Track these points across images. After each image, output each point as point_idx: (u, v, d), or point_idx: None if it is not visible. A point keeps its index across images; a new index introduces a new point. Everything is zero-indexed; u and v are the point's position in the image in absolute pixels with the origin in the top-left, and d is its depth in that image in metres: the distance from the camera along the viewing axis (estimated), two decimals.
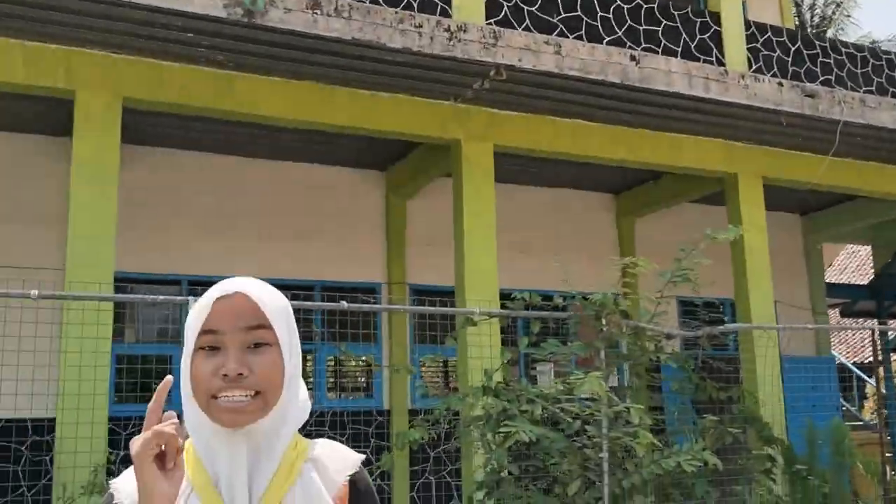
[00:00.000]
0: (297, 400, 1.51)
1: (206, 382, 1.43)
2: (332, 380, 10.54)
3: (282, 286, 6.83)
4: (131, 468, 1.48)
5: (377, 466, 5.36)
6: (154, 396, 1.39)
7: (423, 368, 10.97)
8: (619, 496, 5.06)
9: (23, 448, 8.35)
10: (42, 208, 8.81)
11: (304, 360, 10.43)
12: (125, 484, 1.49)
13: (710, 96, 8.59)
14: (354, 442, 9.66)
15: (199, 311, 1.48)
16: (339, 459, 1.55)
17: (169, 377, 1.41)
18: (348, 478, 1.53)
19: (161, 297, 5.60)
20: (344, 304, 4.97)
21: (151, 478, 1.36)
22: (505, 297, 8.45)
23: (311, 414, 9.52)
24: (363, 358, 6.77)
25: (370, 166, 10.50)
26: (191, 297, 5.70)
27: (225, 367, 1.42)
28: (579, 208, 11.64)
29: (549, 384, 6.24)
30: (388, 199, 10.55)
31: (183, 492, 1.42)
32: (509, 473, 5.11)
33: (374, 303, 9.94)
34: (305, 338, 9.91)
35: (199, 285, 9.18)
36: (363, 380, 10.59)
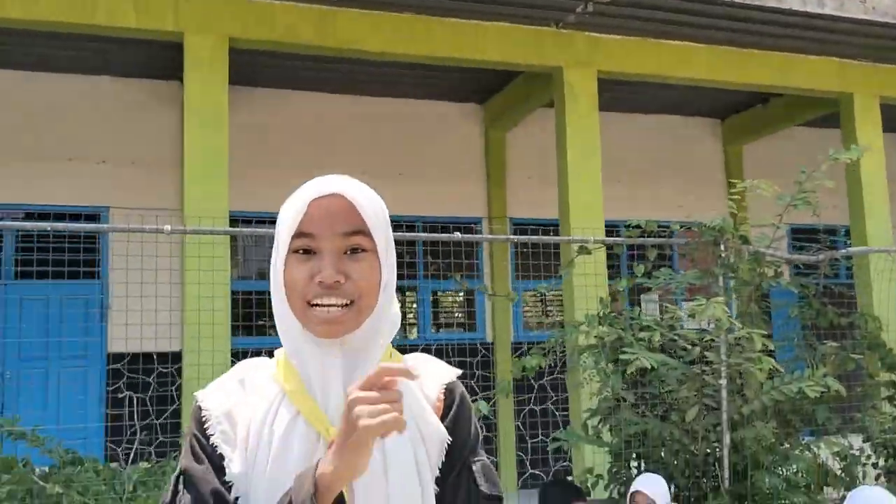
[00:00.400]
0: (391, 310, 1.46)
1: (301, 288, 1.37)
2: (436, 314, 10.71)
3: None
4: (221, 382, 1.45)
5: (493, 394, 5.43)
6: (396, 369, 1.24)
7: (525, 302, 11.00)
8: (737, 422, 5.00)
9: (150, 379, 8.81)
10: (156, 151, 9.11)
11: (407, 294, 10.61)
12: (213, 400, 1.43)
13: (825, 12, 8.17)
14: (462, 377, 9.82)
15: (294, 210, 1.39)
16: (434, 370, 1.50)
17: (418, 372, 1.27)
18: (444, 387, 1.48)
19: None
20: (457, 234, 5.00)
21: (366, 454, 1.23)
22: (608, 227, 8.38)
23: (416, 348, 9.73)
24: (477, 288, 6.81)
25: (469, 99, 10.43)
26: None
27: (321, 274, 1.36)
28: (684, 135, 11.33)
29: (655, 314, 6.18)
30: (488, 132, 10.49)
31: (275, 397, 1.40)
32: (624, 400, 5.11)
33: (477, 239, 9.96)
34: (410, 276, 10.05)
35: None
36: (460, 315, 10.70)
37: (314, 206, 1.38)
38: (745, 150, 11.52)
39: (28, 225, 4.60)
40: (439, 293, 10.81)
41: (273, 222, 6.63)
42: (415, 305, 10.55)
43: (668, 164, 11.01)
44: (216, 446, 1.38)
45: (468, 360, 9.99)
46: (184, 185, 7.18)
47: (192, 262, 6.65)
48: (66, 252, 7.77)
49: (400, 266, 6.97)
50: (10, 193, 8.62)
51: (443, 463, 1.42)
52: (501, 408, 9.87)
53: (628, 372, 4.64)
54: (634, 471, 5.15)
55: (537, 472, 9.91)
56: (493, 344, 10.19)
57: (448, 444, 1.42)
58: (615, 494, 5.32)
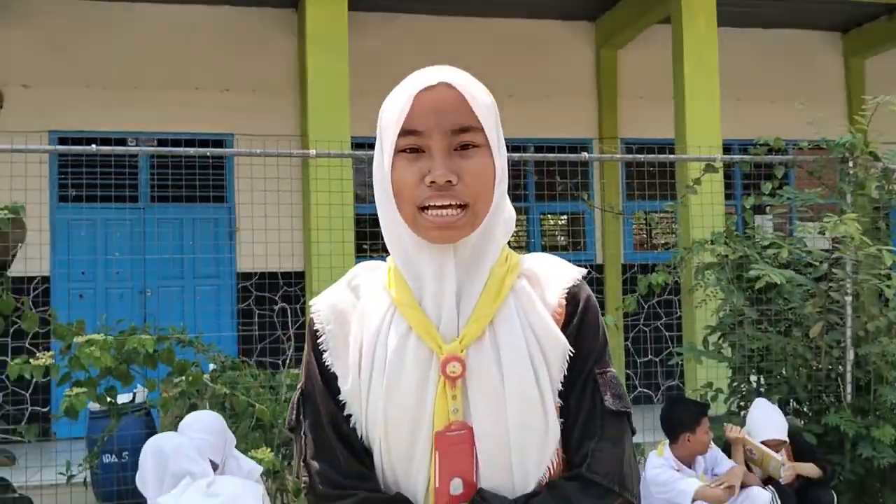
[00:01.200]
0: (505, 210, 1.36)
1: (410, 191, 1.28)
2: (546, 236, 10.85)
3: None
4: (334, 290, 1.42)
5: (618, 308, 5.58)
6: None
7: (636, 221, 10.99)
8: (861, 338, 5.03)
9: (276, 297, 9.31)
10: (275, 79, 9.42)
11: (520, 218, 10.76)
12: (325, 313, 1.39)
13: None
14: None
15: (398, 106, 1.30)
16: (556, 273, 1.39)
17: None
18: (566, 291, 1.36)
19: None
20: (585, 154, 5.10)
21: None
22: (724, 147, 8.26)
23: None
24: (587, 203, 6.90)
25: (580, 17, 10.32)
26: None
27: (432, 174, 1.26)
28: (804, 49, 10.93)
29: (772, 233, 6.15)
30: (599, 51, 10.38)
31: (386, 311, 1.34)
32: (746, 316, 5.19)
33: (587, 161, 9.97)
34: (520, 198, 10.18)
35: None
36: (562, 238, 10.79)
37: (419, 99, 1.29)
38: (867, 64, 11.05)
39: (178, 150, 4.91)
40: (548, 214, 10.93)
41: None
42: (525, 227, 10.71)
43: (790, 80, 10.67)
44: (329, 365, 1.35)
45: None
46: (307, 111, 7.46)
47: (318, 184, 6.93)
48: (198, 178, 8.23)
49: (513, 188, 7.09)
50: (143, 122, 9.10)
51: (566, 374, 1.33)
52: (610, 330, 10.00)
53: (755, 288, 4.70)
54: (755, 385, 5.25)
55: (646, 391, 10.07)
56: (602, 265, 10.29)
57: (571, 355, 1.33)
58: (734, 408, 5.45)
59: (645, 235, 11.13)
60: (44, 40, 9.00)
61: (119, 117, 9.01)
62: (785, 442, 4.79)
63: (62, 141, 8.89)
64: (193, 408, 4.19)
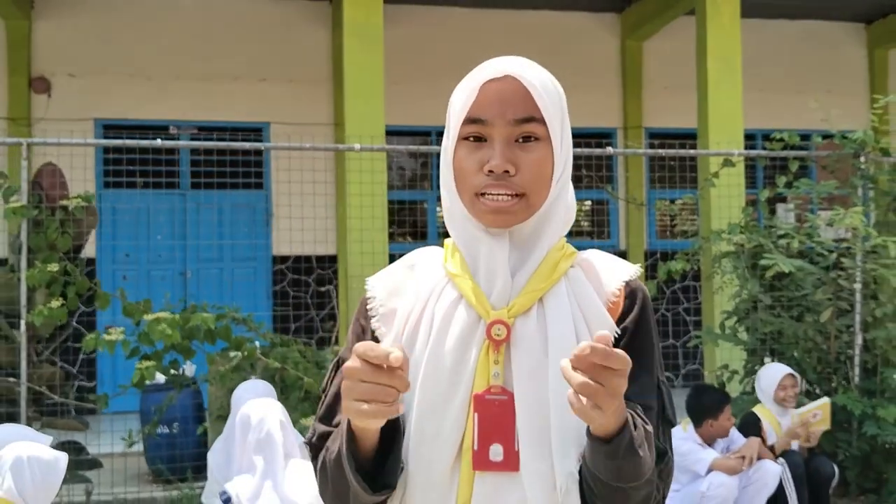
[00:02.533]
0: (564, 200, 1.39)
1: (470, 177, 1.32)
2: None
3: None
4: (391, 268, 1.45)
5: None
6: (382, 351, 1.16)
7: (659, 209, 11.23)
8: (870, 324, 5.29)
9: (310, 280, 9.69)
10: (310, 69, 9.75)
11: None
12: (379, 283, 1.43)
13: None
14: None
15: (465, 94, 1.34)
16: (612, 266, 1.40)
17: (399, 355, 1.15)
18: (624, 283, 1.37)
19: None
20: (610, 149, 5.38)
21: (368, 427, 1.23)
22: (747, 136, 8.48)
23: None
24: (611, 194, 7.16)
25: (606, 9, 10.55)
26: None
27: (490, 164, 1.30)
28: (827, 40, 11.08)
29: (791, 223, 6.40)
30: (624, 42, 10.61)
31: (439, 281, 1.37)
32: (760, 302, 5.47)
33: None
34: None
35: None
36: (586, 224, 11.04)
37: (486, 89, 1.33)
38: (892, 55, 11.18)
39: (236, 145, 5.24)
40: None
41: (426, 134, 7.35)
42: None
43: (814, 72, 10.84)
44: (374, 329, 1.39)
45: None
46: (342, 101, 7.77)
47: (352, 174, 7.22)
48: (239, 164, 8.58)
49: None
50: (183, 110, 9.48)
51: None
52: None
53: (766, 276, 4.98)
54: (769, 362, 5.54)
55: (667, 374, 10.35)
56: (625, 252, 10.55)
57: (628, 349, 1.23)
58: (748, 388, 5.75)
59: (668, 223, 11.38)
60: (89, 31, 9.38)
61: (161, 106, 9.40)
62: (795, 377, 5.08)
63: (107, 128, 9.29)
64: (245, 381, 4.56)
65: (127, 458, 5.91)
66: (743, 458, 4.87)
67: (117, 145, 5.35)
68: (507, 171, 1.30)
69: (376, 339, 1.37)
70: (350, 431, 1.23)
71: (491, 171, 1.30)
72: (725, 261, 5.47)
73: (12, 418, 4.75)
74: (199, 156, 9.19)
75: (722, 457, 4.95)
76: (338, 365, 1.40)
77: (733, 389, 5.82)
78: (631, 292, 1.36)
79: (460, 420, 1.30)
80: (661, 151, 5.89)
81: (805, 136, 6.08)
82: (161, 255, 9.34)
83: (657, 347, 1.36)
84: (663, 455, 1.29)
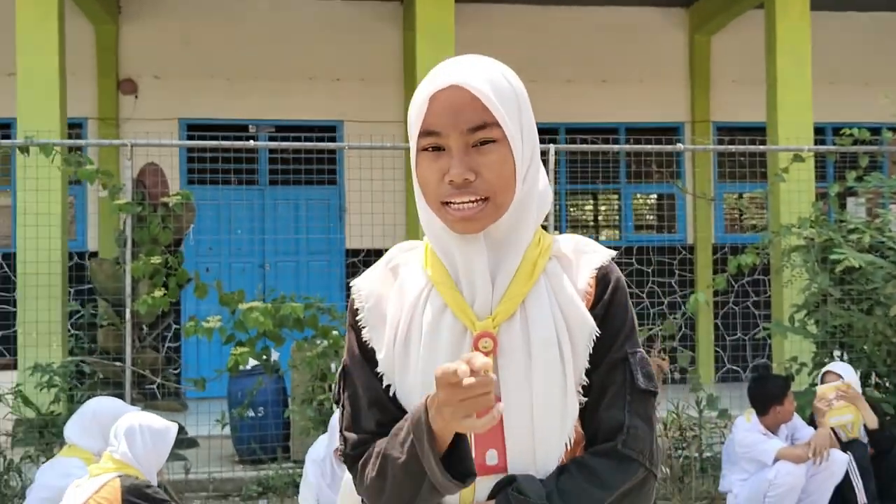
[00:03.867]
0: (535, 193, 1.39)
1: (433, 188, 1.34)
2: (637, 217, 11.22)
3: (586, 129, 7.73)
4: (374, 270, 1.46)
5: (711, 286, 5.97)
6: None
7: (727, 203, 11.24)
8: None
9: None
10: (381, 69, 10.03)
11: (612, 199, 11.15)
12: (365, 292, 1.44)
13: None
14: (659, 276, 10.35)
15: (416, 107, 1.35)
16: (586, 254, 1.43)
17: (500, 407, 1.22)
18: (596, 271, 1.40)
19: None
20: (680, 146, 5.52)
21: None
22: (817, 130, 8.46)
23: (615, 250, 10.37)
24: (679, 188, 7.25)
25: (674, 4, 10.59)
26: None
27: (450, 174, 1.31)
28: None
29: (862, 218, 6.44)
30: (692, 37, 10.64)
31: (423, 288, 1.38)
32: (830, 296, 5.54)
33: (677, 142, 10.26)
34: (610, 180, 10.55)
35: None
36: (651, 218, 11.10)
37: (435, 100, 1.32)
38: None
39: (305, 145, 5.52)
40: (639, 196, 11.29)
41: None
42: (617, 208, 11.10)
43: (882, 64, 10.71)
44: (366, 340, 1.41)
45: (667, 259, 10.47)
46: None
47: None
48: (314, 162, 8.89)
49: (603, 172, 7.46)
50: (262, 110, 9.86)
51: (593, 353, 1.37)
52: (700, 305, 10.31)
53: (836, 270, 5.07)
54: (837, 359, 5.62)
55: (734, 367, 10.38)
56: (693, 245, 10.59)
57: (598, 335, 1.36)
58: (817, 381, 5.82)
59: (736, 217, 11.38)
60: (173, 35, 9.82)
61: (240, 106, 9.79)
62: (840, 377, 5.14)
63: (190, 128, 9.72)
64: (329, 366, 4.85)
65: (211, 440, 6.26)
66: (810, 447, 4.95)
67: (213, 146, 5.70)
68: (466, 179, 1.31)
69: (370, 349, 1.41)
70: (430, 433, 1.24)
71: (452, 181, 1.31)
72: (795, 255, 5.57)
73: (120, 400, 5.12)
74: (276, 154, 9.55)
75: (788, 446, 5.05)
76: (344, 372, 1.43)
77: (801, 382, 5.90)
78: (603, 277, 1.40)
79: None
80: (731, 147, 5.99)
81: (875, 130, 6.11)
82: (241, 249, 9.75)
83: (627, 324, 1.39)
84: (620, 428, 1.35)
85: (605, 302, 1.38)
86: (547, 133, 9.74)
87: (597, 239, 10.99)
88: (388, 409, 1.38)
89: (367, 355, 1.41)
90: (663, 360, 5.53)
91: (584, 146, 6.46)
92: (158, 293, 5.07)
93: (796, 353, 6.01)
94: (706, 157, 10.47)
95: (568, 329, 1.35)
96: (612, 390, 1.36)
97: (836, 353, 5.62)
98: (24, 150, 5.53)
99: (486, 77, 1.34)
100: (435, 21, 7.85)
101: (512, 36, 10.27)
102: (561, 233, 10.57)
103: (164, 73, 9.84)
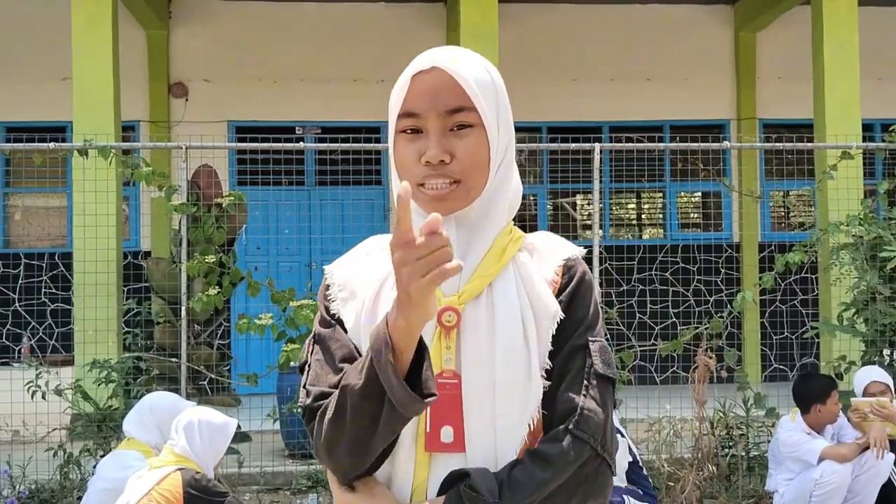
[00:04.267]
0: (507, 186, 1.42)
1: (410, 169, 1.36)
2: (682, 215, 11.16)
3: (630, 128, 7.74)
4: (348, 255, 1.49)
5: (756, 284, 5.95)
6: (399, 207, 1.20)
7: (773, 201, 11.13)
8: None
9: None
10: None
11: (656, 197, 11.12)
12: (337, 271, 1.47)
13: None
14: (706, 274, 10.29)
15: (397, 90, 1.39)
16: (555, 247, 1.46)
17: (406, 185, 1.20)
18: (563, 262, 1.43)
19: (573, 144, 6.44)
20: (727, 143, 5.51)
21: (430, 303, 1.21)
22: (865, 128, 8.36)
23: (660, 249, 10.22)
24: (726, 186, 7.22)
25: (719, 1, 10.53)
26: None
27: (426, 155, 1.34)
28: None
29: None
30: (737, 33, 10.57)
31: (390, 273, 1.33)
32: (879, 294, 5.50)
33: (723, 140, 10.20)
34: (655, 178, 10.52)
35: (560, 132, 10.10)
36: (696, 216, 11.03)
37: (416, 83, 1.36)
38: None
39: (357, 146, 5.61)
40: (683, 194, 11.23)
41: (536, 130, 7.68)
42: (661, 206, 11.06)
43: None
44: (335, 313, 1.43)
45: (713, 257, 10.40)
46: None
47: None
48: (360, 163, 9.04)
49: (648, 170, 7.48)
50: (308, 111, 10.01)
51: (555, 337, 1.38)
52: (747, 304, 10.22)
53: (886, 268, 5.03)
54: (886, 358, 5.57)
55: (782, 366, 10.28)
56: (739, 243, 10.51)
57: (562, 320, 1.38)
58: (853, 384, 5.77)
59: (783, 214, 11.26)
60: (221, 39, 10.02)
61: (287, 108, 9.96)
62: (888, 387, 5.09)
63: (238, 130, 9.91)
64: None
65: (262, 434, 6.41)
66: (871, 440, 4.89)
67: (263, 148, 5.82)
68: (442, 161, 1.34)
69: (339, 321, 1.42)
70: (390, 343, 1.22)
71: (428, 162, 1.34)
72: (843, 252, 5.53)
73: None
74: (323, 155, 9.70)
75: (832, 445, 5.02)
76: (313, 339, 1.45)
77: (850, 381, 5.85)
78: (569, 269, 1.42)
79: None
80: (778, 145, 5.96)
81: None
82: (288, 248, 9.92)
83: (591, 315, 1.41)
84: (574, 411, 1.35)
85: (569, 291, 1.41)
86: (591, 132, 9.75)
87: (640, 237, 11.02)
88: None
89: (339, 325, 1.42)
90: (710, 358, 5.53)
91: (629, 145, 6.47)
92: (213, 291, 5.22)
93: (845, 352, 5.96)
94: (752, 155, 10.38)
95: (533, 312, 1.37)
96: (570, 375, 1.37)
97: (886, 351, 5.57)
98: (83, 153, 5.70)
99: (467, 64, 1.37)
100: (478, 22, 7.91)
101: (555, 35, 10.30)
102: (604, 233, 10.57)
103: (213, 76, 10.04)
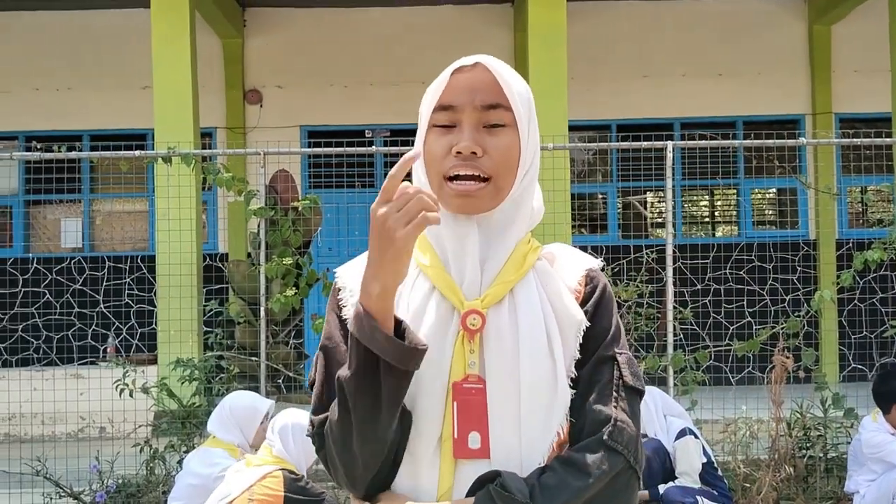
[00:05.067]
0: (530, 197, 1.42)
1: (439, 161, 1.36)
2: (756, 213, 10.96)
3: (702, 124, 7.65)
4: (360, 258, 1.44)
5: (837, 282, 5.83)
6: (398, 164, 1.25)
7: (851, 198, 10.85)
8: None
9: None
10: None
11: (727, 196, 10.94)
12: (348, 275, 1.44)
13: None
14: (783, 273, 10.09)
15: (436, 85, 1.39)
16: (576, 258, 1.46)
17: (417, 150, 1.27)
18: (585, 273, 1.43)
19: (644, 143, 6.42)
20: (803, 140, 5.43)
21: (407, 258, 1.24)
22: None
23: (735, 247, 10.04)
24: (801, 182, 7.07)
25: None
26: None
27: (459, 145, 1.34)
28: None
29: None
30: (812, 27, 10.34)
31: (412, 271, 1.35)
32: None
33: (799, 136, 9.99)
34: (726, 174, 10.36)
35: (630, 130, 10.04)
36: (771, 213, 10.81)
37: (456, 78, 1.37)
38: None
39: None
40: (758, 191, 11.03)
41: (606, 128, 7.64)
42: (734, 203, 10.89)
43: None
44: (346, 319, 1.38)
45: (789, 255, 10.20)
46: None
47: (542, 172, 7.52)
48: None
49: (721, 168, 7.38)
50: (377, 115, 10.16)
51: (581, 347, 1.38)
52: (824, 307, 9.99)
53: None
54: None
55: (860, 366, 10.03)
56: (816, 241, 10.28)
57: (586, 329, 1.38)
58: None
59: (860, 211, 10.97)
60: (294, 46, 10.25)
61: (357, 111, 10.14)
62: None
63: (310, 134, 10.11)
64: None
65: None
66: None
67: (336, 152, 5.96)
68: (474, 153, 1.34)
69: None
70: (369, 314, 1.25)
71: (459, 153, 1.34)
72: None
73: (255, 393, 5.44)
74: (392, 158, 9.81)
75: None
76: (320, 354, 1.42)
77: None
78: (591, 279, 1.43)
79: (440, 409, 1.33)
80: (855, 140, 5.83)
81: None
82: (359, 250, 9.98)
83: (615, 326, 1.41)
84: (608, 421, 1.35)
85: (594, 301, 1.41)
86: (662, 129, 9.66)
87: (713, 235, 10.85)
88: None
89: (346, 334, 1.37)
90: (787, 358, 5.44)
91: (702, 142, 6.40)
92: (290, 292, 5.37)
93: None
94: (828, 150, 10.15)
95: (557, 319, 1.37)
96: (599, 386, 1.37)
97: None
98: (167, 160, 5.92)
99: (508, 69, 1.39)
100: (547, 21, 7.90)
101: (624, 32, 10.24)
102: (677, 231, 10.46)
103: (285, 82, 10.28)
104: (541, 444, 1.34)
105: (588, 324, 1.38)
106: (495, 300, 1.36)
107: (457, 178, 1.34)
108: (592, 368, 1.38)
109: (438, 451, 1.34)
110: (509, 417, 1.33)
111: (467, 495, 1.32)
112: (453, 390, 1.33)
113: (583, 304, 1.40)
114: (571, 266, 1.43)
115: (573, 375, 1.37)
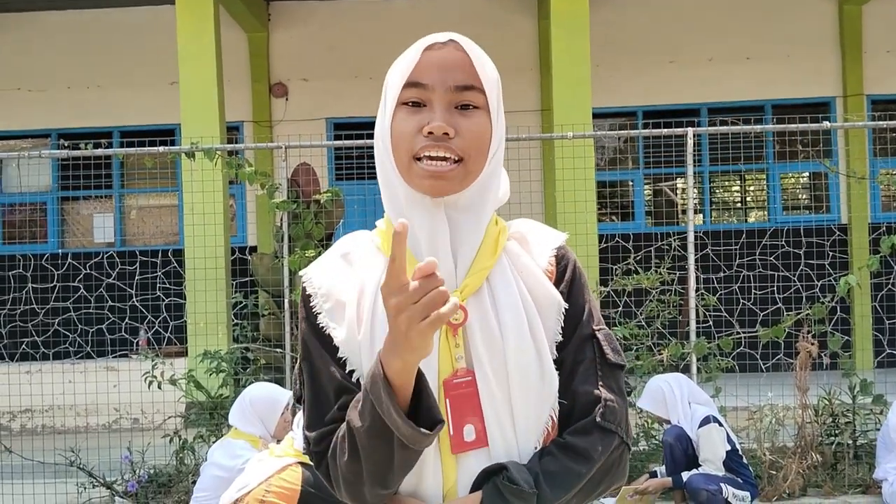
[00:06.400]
0: (497, 180, 1.40)
1: (408, 140, 1.31)
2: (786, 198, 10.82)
3: (729, 109, 7.58)
4: (324, 258, 1.42)
5: (864, 266, 5.76)
6: (393, 246, 1.14)
7: (882, 182, 10.66)
8: None
9: None
10: (517, 58, 10.14)
11: (757, 180, 10.81)
12: (317, 280, 1.40)
13: None
14: (812, 258, 9.96)
15: (405, 61, 1.33)
16: (542, 236, 1.44)
17: (404, 222, 1.14)
18: (555, 252, 1.42)
19: (665, 129, 6.35)
20: (826, 123, 5.36)
21: (429, 340, 1.17)
22: None
23: (764, 232, 9.90)
24: (828, 168, 6.96)
25: None
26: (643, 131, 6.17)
27: (431, 125, 1.29)
28: None
29: None
30: (842, 7, 10.16)
31: (383, 268, 1.32)
32: None
33: (829, 119, 9.84)
34: (755, 159, 10.22)
35: (657, 116, 9.96)
36: (805, 198, 10.66)
37: (428, 55, 1.33)
38: None
39: None
40: (788, 175, 10.89)
41: (631, 115, 7.59)
42: (763, 188, 10.76)
43: None
44: (324, 326, 1.36)
45: (825, 240, 10.06)
46: (551, 88, 8.05)
47: (562, 161, 7.41)
48: None
49: (750, 152, 7.32)
50: None
51: (562, 328, 1.38)
52: (856, 288, 9.85)
53: None
54: None
55: (894, 352, 9.87)
56: (847, 225, 10.14)
57: (566, 310, 1.38)
58: None
59: (893, 194, 10.78)
60: (318, 39, 10.30)
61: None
62: None
63: (336, 126, 10.17)
64: None
65: None
66: None
67: (358, 144, 5.99)
68: (446, 134, 1.29)
69: (328, 336, 1.36)
70: (387, 384, 1.20)
71: (430, 133, 1.29)
72: None
73: (279, 384, 5.51)
74: None
75: None
76: (301, 369, 1.39)
77: None
78: (562, 258, 1.42)
79: None
80: (883, 123, 5.72)
81: None
82: None
83: (590, 302, 1.41)
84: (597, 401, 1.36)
85: (567, 280, 1.40)
86: (689, 115, 9.58)
87: (745, 221, 10.73)
88: (354, 395, 1.31)
89: (326, 343, 1.36)
90: (812, 344, 5.39)
91: (724, 128, 6.32)
92: None
93: None
94: (860, 133, 9.99)
95: (535, 302, 1.36)
96: (583, 366, 1.37)
97: None
98: (190, 155, 5.99)
99: (481, 51, 1.36)
100: (569, 8, 7.84)
101: (648, 17, 10.15)
102: (705, 217, 10.34)
103: (311, 75, 10.33)
104: (535, 428, 1.35)
105: (566, 305, 1.38)
106: (473, 290, 1.35)
107: (427, 158, 1.31)
108: (574, 348, 1.38)
109: (438, 449, 1.33)
110: (502, 404, 1.34)
111: (472, 487, 1.33)
112: (444, 388, 1.33)
113: (556, 283, 1.40)
114: (541, 245, 1.42)
115: (555, 357, 1.37)
